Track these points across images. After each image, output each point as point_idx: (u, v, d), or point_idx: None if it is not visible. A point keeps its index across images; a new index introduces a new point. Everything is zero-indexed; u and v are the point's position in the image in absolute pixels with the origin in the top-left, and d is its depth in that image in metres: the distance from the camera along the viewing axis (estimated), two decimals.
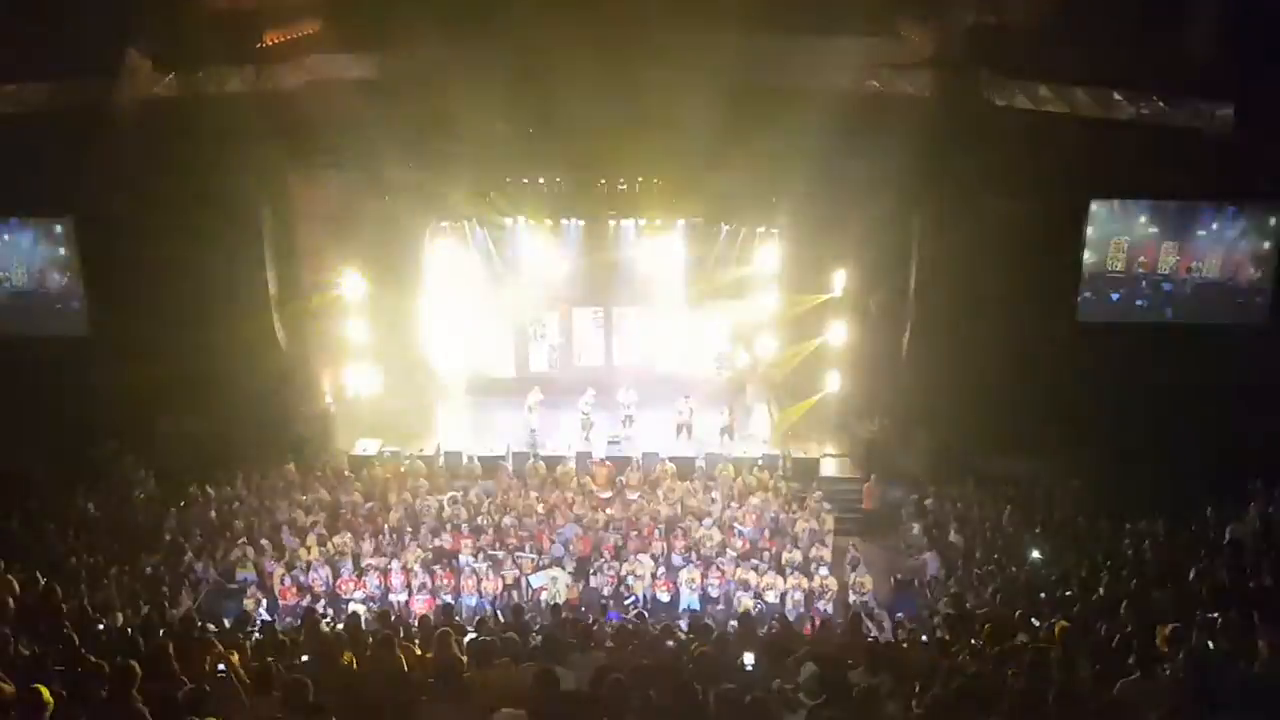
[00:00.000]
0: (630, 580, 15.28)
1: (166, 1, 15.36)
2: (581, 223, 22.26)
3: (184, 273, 17.74)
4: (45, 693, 5.93)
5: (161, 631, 10.52)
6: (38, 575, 11.17)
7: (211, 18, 16.11)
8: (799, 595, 15.08)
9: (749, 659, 8.17)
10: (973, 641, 9.65)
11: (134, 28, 16.01)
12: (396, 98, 16.89)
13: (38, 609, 9.22)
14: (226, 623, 12.55)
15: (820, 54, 17.07)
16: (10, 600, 9.17)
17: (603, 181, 20.62)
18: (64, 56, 15.91)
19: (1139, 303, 18.89)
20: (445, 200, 20.06)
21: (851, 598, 15.21)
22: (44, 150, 16.62)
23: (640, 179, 20.56)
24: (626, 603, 15.00)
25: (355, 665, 8.56)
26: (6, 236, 19.42)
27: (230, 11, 16.27)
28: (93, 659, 7.10)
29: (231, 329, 18.07)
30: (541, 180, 20.37)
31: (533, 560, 15.69)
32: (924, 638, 11.53)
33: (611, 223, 22.18)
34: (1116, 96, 16.68)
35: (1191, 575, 11.75)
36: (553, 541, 16.07)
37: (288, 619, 14.09)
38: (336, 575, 15.37)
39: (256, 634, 11.32)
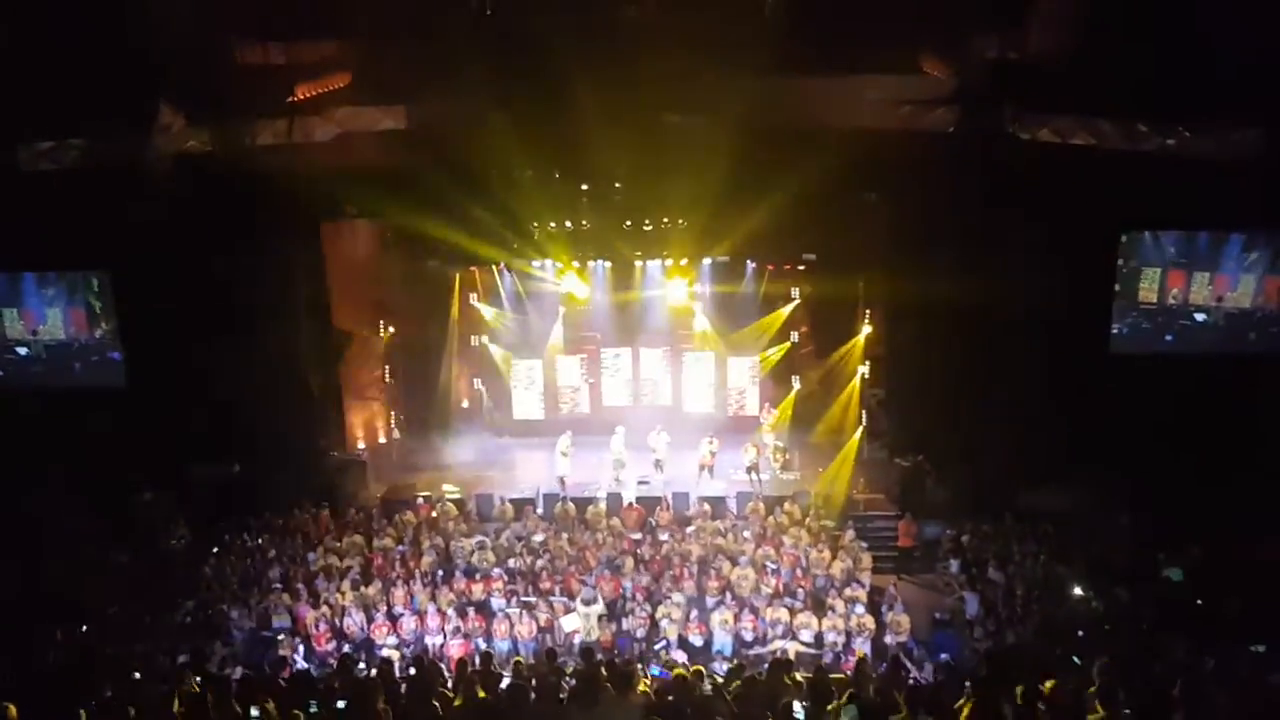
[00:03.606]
0: (664, 623, 15.14)
1: (198, 57, 15.65)
2: (608, 264, 22.45)
3: (217, 322, 17.97)
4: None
5: (198, 680, 10.57)
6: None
7: (243, 72, 16.43)
8: (834, 636, 14.88)
9: (798, 708, 8.04)
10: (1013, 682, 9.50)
11: (166, 83, 16.32)
12: (425, 147, 17.15)
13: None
14: (264, 670, 12.59)
15: (843, 93, 17.17)
16: None
17: (628, 224, 20.82)
18: (97, 113, 16.24)
19: (1170, 336, 18.74)
20: (474, 245, 20.25)
21: (888, 638, 14.99)
22: (79, 205, 16.89)
23: (666, 220, 20.78)
24: (657, 647, 14.85)
25: (390, 711, 8.53)
26: (45, 290, 19.81)
27: (261, 66, 16.57)
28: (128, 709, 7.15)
29: (264, 376, 18.26)
30: (569, 224, 20.59)
31: (564, 603, 15.64)
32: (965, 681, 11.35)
33: (638, 264, 22.37)
34: (1142, 127, 16.64)
35: (1234, 607, 11.57)
36: (584, 584, 16.00)
37: (323, 665, 14.11)
38: (370, 621, 15.37)
39: (293, 681, 11.32)
